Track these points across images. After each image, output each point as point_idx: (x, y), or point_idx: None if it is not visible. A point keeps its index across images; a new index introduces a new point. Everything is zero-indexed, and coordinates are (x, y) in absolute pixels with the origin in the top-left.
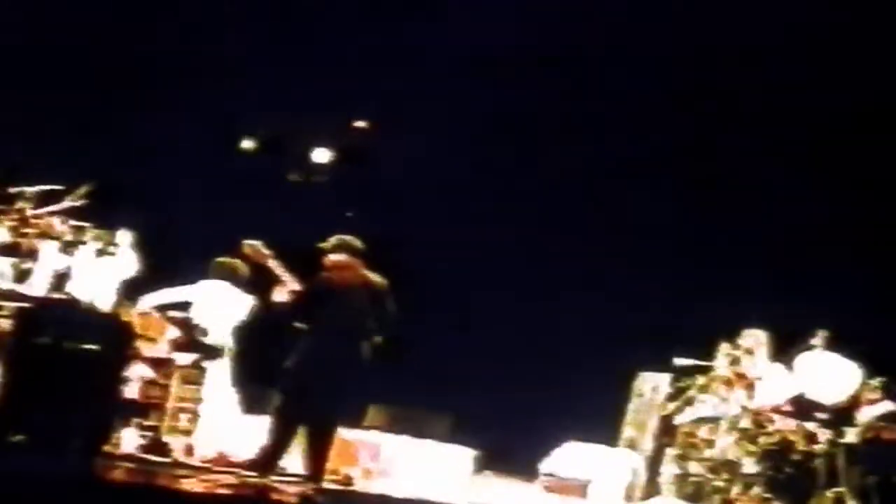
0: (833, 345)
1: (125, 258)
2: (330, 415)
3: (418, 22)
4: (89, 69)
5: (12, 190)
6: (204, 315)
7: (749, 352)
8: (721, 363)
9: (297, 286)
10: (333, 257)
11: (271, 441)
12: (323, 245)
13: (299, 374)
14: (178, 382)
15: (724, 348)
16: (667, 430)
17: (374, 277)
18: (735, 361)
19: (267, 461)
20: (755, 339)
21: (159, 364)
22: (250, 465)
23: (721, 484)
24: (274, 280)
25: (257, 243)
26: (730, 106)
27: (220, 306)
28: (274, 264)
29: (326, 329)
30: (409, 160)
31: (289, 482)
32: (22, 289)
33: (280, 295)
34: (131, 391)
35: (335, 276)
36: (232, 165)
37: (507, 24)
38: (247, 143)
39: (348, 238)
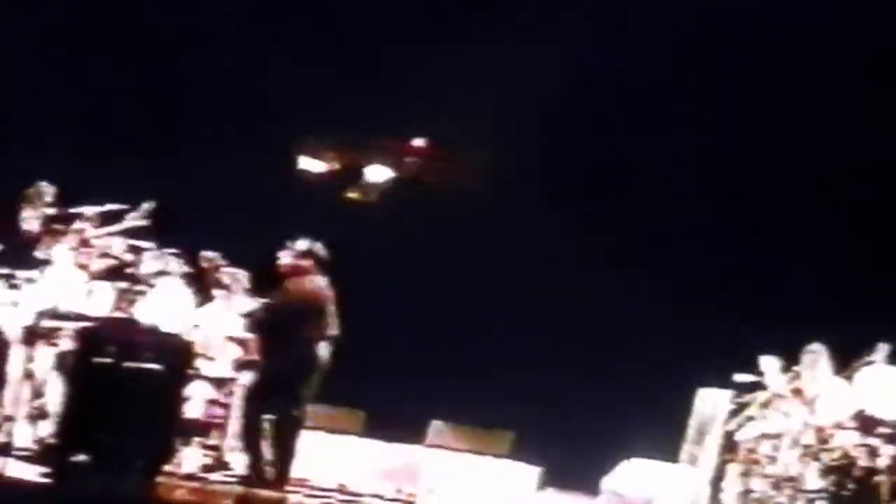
0: (894, 359)
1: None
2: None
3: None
4: (150, 90)
5: (72, 210)
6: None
7: (810, 368)
8: (782, 379)
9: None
10: (301, 263)
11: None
12: (290, 250)
13: (287, 384)
14: (240, 401)
15: (785, 364)
16: (729, 447)
17: (328, 284)
18: (796, 377)
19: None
20: (815, 355)
21: (221, 383)
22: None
23: (784, 500)
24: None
25: (215, 255)
26: (785, 124)
27: None
28: (228, 277)
29: (305, 338)
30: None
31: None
32: (83, 309)
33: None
34: (193, 410)
35: (303, 284)
36: (290, 186)
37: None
38: (305, 163)
39: (315, 245)
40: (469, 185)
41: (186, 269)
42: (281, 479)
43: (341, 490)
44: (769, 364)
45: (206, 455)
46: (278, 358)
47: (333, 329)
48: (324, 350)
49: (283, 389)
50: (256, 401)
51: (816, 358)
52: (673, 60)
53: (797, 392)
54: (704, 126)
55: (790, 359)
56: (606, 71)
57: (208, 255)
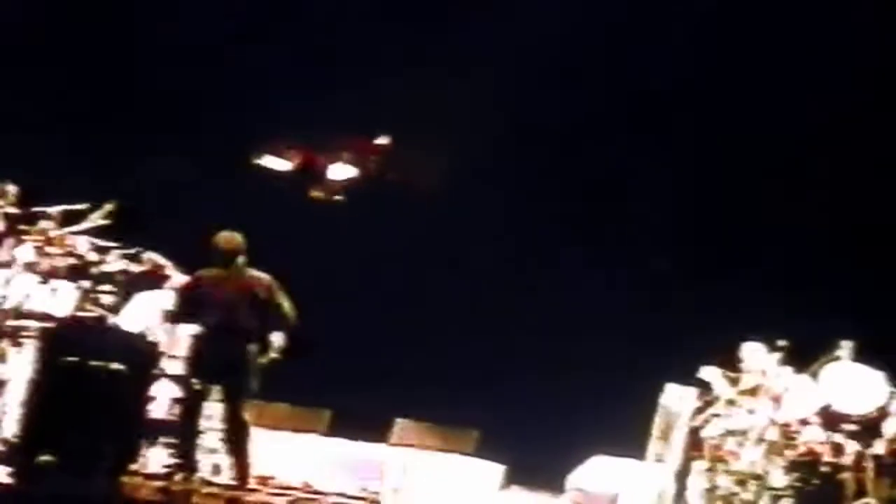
0: (859, 355)
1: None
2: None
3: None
4: (112, 88)
5: (35, 210)
6: None
7: (775, 364)
8: (748, 376)
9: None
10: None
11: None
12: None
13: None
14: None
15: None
16: (694, 443)
17: (259, 275)
18: (761, 374)
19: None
20: (780, 351)
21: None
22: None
23: (749, 497)
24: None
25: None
26: (744, 116)
27: None
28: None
29: (207, 330)
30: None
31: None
32: (47, 308)
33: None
34: (158, 410)
35: (211, 277)
36: (252, 184)
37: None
38: (267, 161)
39: (228, 236)
40: (432, 183)
41: (148, 267)
42: (240, 476)
43: (306, 488)
44: (736, 360)
45: (171, 455)
46: (199, 352)
47: (254, 322)
48: (246, 343)
49: (212, 383)
50: (189, 397)
51: (781, 354)
52: (655, 55)
53: (762, 389)
54: (668, 128)
55: (755, 355)
56: (570, 66)
57: (150, 256)
